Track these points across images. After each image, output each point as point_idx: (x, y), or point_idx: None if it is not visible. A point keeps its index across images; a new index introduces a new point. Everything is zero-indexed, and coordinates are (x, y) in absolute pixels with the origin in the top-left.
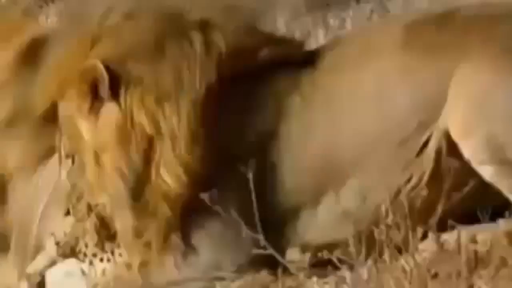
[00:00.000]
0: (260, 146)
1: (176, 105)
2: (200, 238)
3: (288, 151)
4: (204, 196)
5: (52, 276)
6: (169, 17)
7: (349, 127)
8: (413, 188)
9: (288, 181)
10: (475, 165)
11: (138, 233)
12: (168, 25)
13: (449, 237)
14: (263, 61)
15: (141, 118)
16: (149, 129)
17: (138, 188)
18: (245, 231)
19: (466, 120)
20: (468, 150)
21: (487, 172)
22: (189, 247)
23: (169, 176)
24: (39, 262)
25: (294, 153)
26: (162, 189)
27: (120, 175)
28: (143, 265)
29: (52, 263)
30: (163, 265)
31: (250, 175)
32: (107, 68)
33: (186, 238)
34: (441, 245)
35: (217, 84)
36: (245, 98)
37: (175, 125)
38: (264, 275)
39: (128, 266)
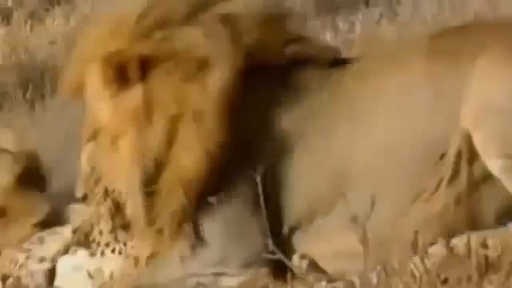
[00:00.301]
0: (281, 144)
1: (203, 86)
2: (210, 232)
3: (308, 152)
4: (212, 200)
5: (61, 268)
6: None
7: (370, 132)
8: (431, 194)
9: (304, 185)
10: (485, 158)
11: (150, 220)
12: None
13: (459, 242)
14: (291, 56)
15: (165, 97)
16: (173, 109)
17: (154, 174)
18: (256, 231)
19: (477, 113)
20: (478, 143)
21: (495, 166)
22: (198, 240)
23: (189, 159)
24: (54, 246)
25: (314, 154)
26: (179, 173)
27: (136, 160)
28: (152, 257)
29: (66, 249)
30: (171, 258)
31: (258, 178)
32: (134, 51)
33: (196, 230)
34: (451, 250)
35: (244, 72)
36: (271, 93)
37: (201, 106)
38: (266, 273)
39: (136, 260)
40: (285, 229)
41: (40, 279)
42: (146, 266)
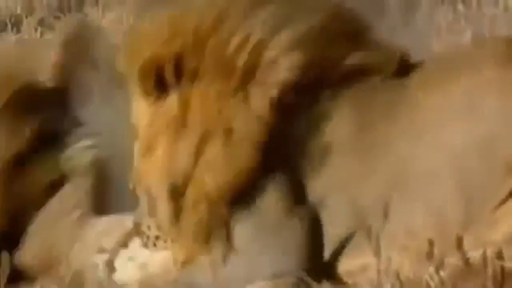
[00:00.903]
0: (324, 159)
1: (243, 102)
2: (241, 238)
3: (358, 167)
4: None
5: (118, 258)
6: None
7: (432, 141)
8: (499, 205)
9: (353, 196)
10: None
11: (177, 230)
12: None
13: (474, 252)
14: (351, 68)
15: (199, 110)
16: (204, 124)
17: (181, 188)
18: (292, 243)
19: None
20: None
21: None
22: (230, 246)
23: (213, 181)
24: (114, 236)
25: (365, 167)
26: (203, 192)
27: (166, 172)
28: (187, 261)
29: (125, 242)
30: (204, 264)
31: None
32: (175, 57)
33: (229, 236)
34: (466, 260)
35: (292, 88)
36: (322, 110)
37: (235, 125)
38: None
39: (175, 261)
40: (330, 243)
41: (100, 271)
42: (183, 269)
